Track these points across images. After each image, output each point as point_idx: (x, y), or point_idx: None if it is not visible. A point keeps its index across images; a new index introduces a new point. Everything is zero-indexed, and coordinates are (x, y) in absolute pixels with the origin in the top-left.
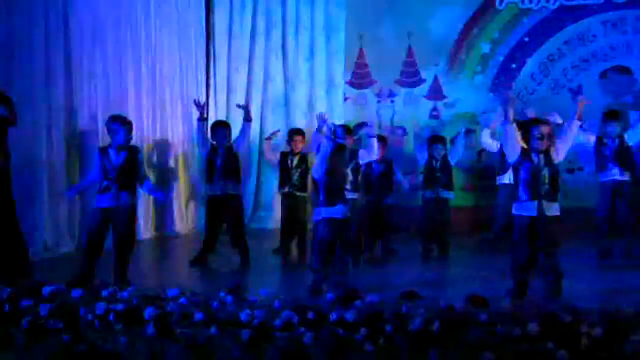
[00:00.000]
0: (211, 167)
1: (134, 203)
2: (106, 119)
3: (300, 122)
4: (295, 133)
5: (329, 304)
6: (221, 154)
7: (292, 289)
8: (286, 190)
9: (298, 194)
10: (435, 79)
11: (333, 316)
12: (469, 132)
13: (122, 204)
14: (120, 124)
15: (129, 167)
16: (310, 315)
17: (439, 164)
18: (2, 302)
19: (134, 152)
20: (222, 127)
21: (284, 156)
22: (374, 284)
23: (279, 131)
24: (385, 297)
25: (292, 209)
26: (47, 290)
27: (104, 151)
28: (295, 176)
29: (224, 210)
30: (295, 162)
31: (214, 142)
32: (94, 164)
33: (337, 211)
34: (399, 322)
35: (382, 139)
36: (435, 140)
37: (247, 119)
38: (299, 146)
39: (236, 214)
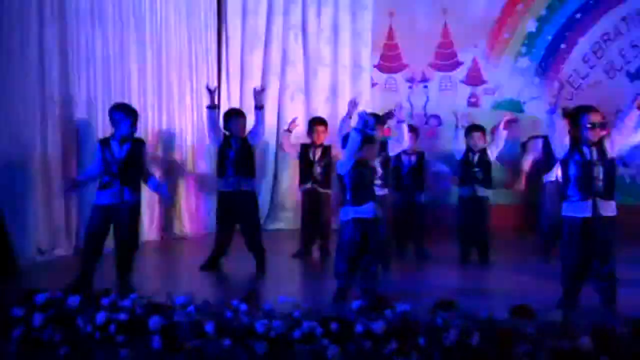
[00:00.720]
0: (223, 161)
1: (137, 201)
2: (106, 108)
3: (322, 111)
4: (316, 122)
5: (355, 313)
6: (234, 146)
7: (313, 297)
8: (308, 186)
9: (320, 190)
10: (474, 61)
11: (359, 327)
12: (511, 122)
13: (124, 201)
14: (124, 113)
15: (132, 161)
16: (333, 326)
17: (476, 157)
18: None
19: (138, 145)
20: (235, 115)
21: (305, 148)
22: (405, 291)
23: (296, 121)
24: (418, 306)
25: (314, 207)
26: (40, 297)
27: (105, 143)
28: (317, 170)
29: (237, 208)
30: (318, 154)
31: (227, 133)
32: (95, 156)
33: (366, 210)
34: (433, 335)
35: (413, 129)
36: (473, 129)
37: (258, 106)
38: (321, 137)
39: (250, 212)
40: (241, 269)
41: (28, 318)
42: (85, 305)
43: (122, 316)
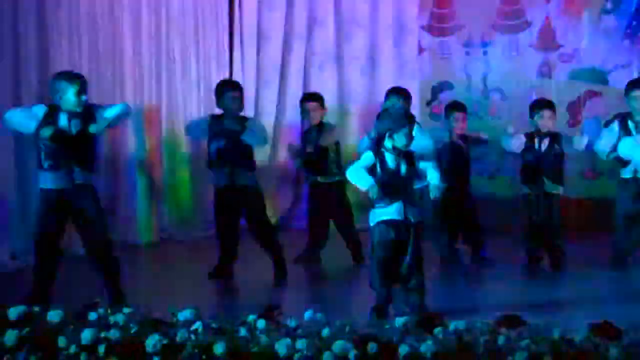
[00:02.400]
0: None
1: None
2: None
3: (356, 82)
4: (306, 99)
5: (398, 332)
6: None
7: (347, 311)
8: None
9: (321, 179)
10: (546, 21)
11: (403, 349)
12: (591, 96)
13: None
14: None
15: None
16: (371, 347)
17: (545, 144)
18: None
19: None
20: (229, 88)
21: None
22: (459, 304)
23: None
24: (476, 323)
25: (318, 201)
26: (14, 311)
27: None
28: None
29: (238, 204)
30: (313, 135)
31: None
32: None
33: (394, 211)
34: (495, 358)
35: (461, 108)
36: (541, 106)
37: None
38: (316, 116)
39: (254, 209)
40: (257, 276)
41: (0, 336)
42: (69, 321)
43: (114, 334)
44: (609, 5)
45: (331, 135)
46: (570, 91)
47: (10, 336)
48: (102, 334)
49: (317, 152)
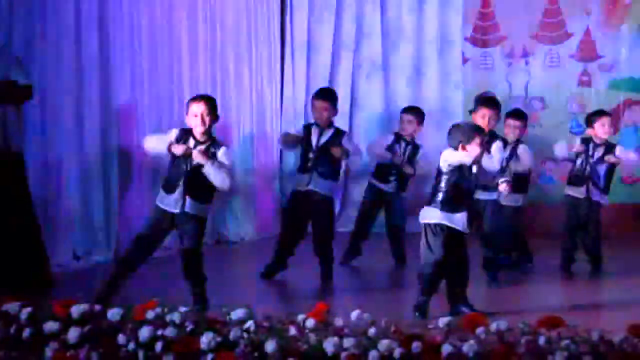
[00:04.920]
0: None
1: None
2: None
3: (402, 91)
4: (403, 110)
5: (442, 332)
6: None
7: (392, 311)
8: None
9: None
10: (587, 31)
11: (446, 348)
12: (630, 105)
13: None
14: None
15: None
16: (415, 346)
17: (599, 151)
18: (20, 325)
19: None
20: (319, 97)
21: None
22: (501, 305)
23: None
24: (517, 324)
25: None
26: (76, 309)
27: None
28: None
29: (310, 210)
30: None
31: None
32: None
33: (456, 220)
34: (536, 357)
35: (520, 116)
36: (598, 115)
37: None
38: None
39: (325, 215)
40: (305, 277)
41: (63, 333)
42: (128, 320)
43: (171, 332)
44: None
45: None
46: (609, 100)
47: (73, 333)
48: (159, 332)
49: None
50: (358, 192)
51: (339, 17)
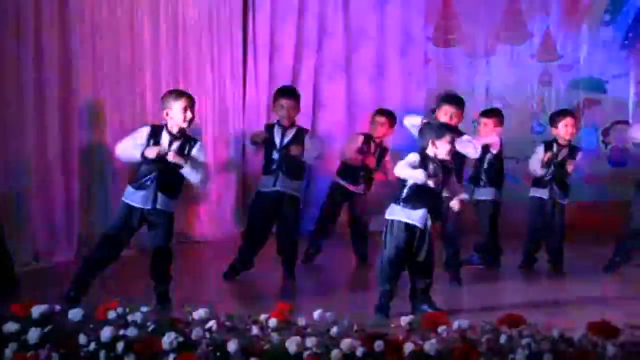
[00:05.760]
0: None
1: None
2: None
3: (365, 91)
4: (377, 112)
5: (404, 330)
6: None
7: (355, 310)
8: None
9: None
10: (547, 31)
11: (408, 347)
12: (589, 104)
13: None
14: None
15: None
16: (378, 345)
17: (560, 154)
18: None
19: None
20: (287, 96)
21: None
22: (463, 303)
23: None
24: (478, 322)
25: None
26: (37, 310)
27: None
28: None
29: (277, 211)
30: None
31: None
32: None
33: (417, 217)
34: (497, 356)
35: (495, 114)
36: (563, 115)
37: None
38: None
39: (292, 216)
40: (268, 278)
41: (23, 334)
42: (89, 320)
43: (132, 332)
44: (606, 18)
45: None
46: (569, 100)
47: (33, 334)
48: (121, 332)
49: None
50: (320, 190)
51: (302, 16)
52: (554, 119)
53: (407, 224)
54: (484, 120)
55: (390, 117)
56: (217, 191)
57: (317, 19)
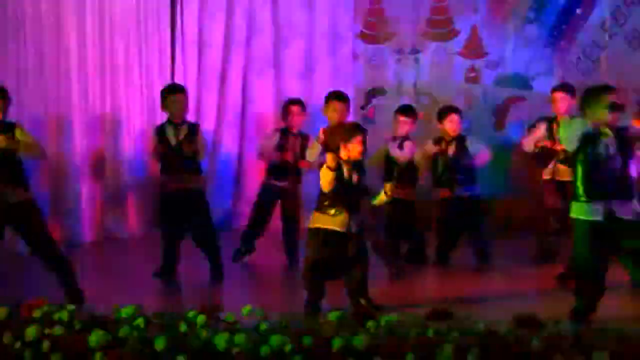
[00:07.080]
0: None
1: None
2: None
3: (293, 87)
4: (292, 103)
5: (332, 326)
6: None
7: (284, 307)
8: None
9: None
10: (474, 29)
11: (337, 342)
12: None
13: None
14: None
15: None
16: (307, 341)
17: (450, 149)
18: None
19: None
20: (176, 94)
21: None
22: (390, 299)
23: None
24: (406, 317)
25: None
26: None
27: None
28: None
29: (184, 206)
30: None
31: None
32: None
33: (338, 223)
34: (425, 350)
35: (409, 112)
36: (446, 111)
37: None
38: (298, 121)
39: (202, 210)
40: (196, 274)
41: None
42: (14, 319)
43: (58, 331)
44: (531, 16)
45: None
46: (495, 96)
47: None
48: (46, 331)
49: None
50: (251, 188)
51: (230, 12)
52: (441, 114)
53: (328, 231)
54: (402, 118)
55: (302, 105)
56: (145, 187)
57: (245, 15)
